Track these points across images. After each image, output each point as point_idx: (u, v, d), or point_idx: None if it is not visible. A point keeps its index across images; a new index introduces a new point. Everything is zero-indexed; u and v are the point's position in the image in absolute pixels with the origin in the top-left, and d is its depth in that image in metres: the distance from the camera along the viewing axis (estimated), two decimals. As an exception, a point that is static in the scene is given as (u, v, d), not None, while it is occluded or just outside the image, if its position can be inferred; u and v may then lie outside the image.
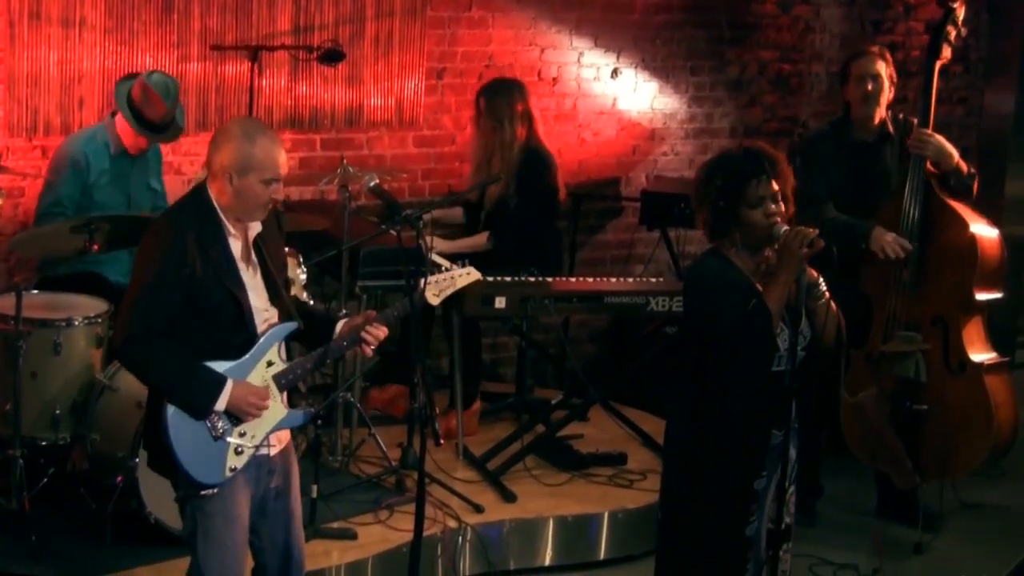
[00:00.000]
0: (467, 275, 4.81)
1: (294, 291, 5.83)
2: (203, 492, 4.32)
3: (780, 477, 4.46)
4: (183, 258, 4.23)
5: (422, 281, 4.61)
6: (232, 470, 4.34)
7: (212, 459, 4.32)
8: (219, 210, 4.33)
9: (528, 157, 6.78)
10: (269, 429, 4.41)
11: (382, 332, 4.50)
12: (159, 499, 5.24)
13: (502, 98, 6.79)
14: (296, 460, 4.61)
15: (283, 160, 4.34)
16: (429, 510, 5.49)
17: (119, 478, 5.41)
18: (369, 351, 4.52)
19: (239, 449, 4.35)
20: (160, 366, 4.26)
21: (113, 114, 6.24)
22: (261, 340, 4.37)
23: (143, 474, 5.27)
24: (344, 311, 6.08)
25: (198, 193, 4.39)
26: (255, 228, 4.42)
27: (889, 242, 6.18)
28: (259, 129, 4.38)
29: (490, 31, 7.75)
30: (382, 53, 7.39)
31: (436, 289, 4.68)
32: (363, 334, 4.47)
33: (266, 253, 4.44)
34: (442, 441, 5.58)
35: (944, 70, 6.54)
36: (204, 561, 4.36)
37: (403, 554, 5.43)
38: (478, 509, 6.00)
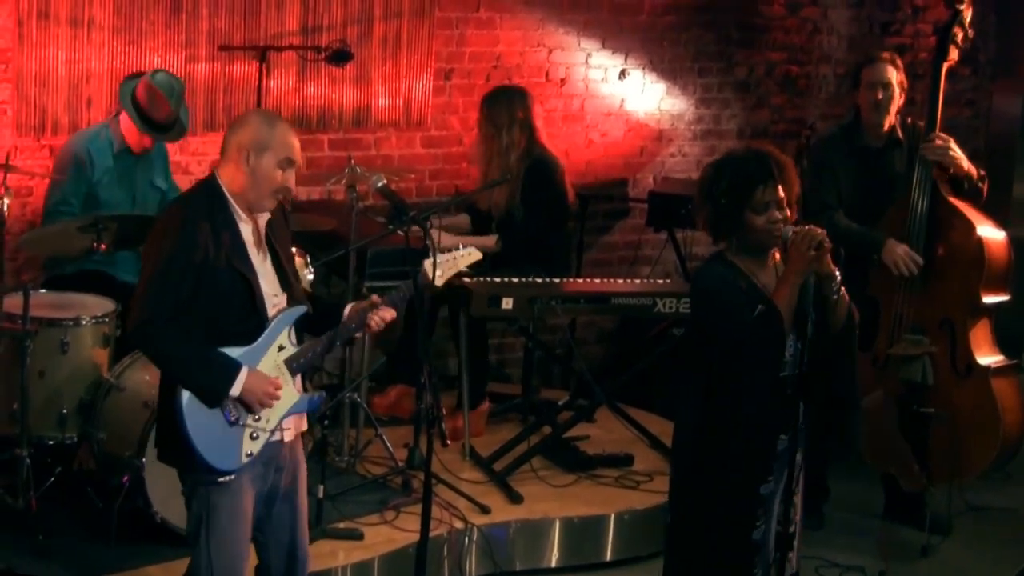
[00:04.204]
0: (468, 255, 4.77)
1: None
2: (220, 479, 4.32)
3: (787, 481, 4.46)
4: (195, 242, 4.24)
5: (425, 262, 4.61)
6: (248, 455, 4.35)
7: (228, 445, 4.32)
8: (230, 197, 4.36)
9: (532, 167, 6.78)
10: (283, 413, 4.42)
11: (389, 314, 4.52)
12: (165, 498, 5.26)
13: (502, 105, 6.81)
14: (304, 460, 4.62)
15: (298, 146, 4.41)
16: (435, 511, 5.47)
17: (125, 477, 5.41)
18: (375, 327, 4.50)
19: (254, 434, 4.36)
20: (176, 350, 4.27)
21: (117, 112, 6.24)
22: (272, 325, 4.39)
23: (149, 473, 5.28)
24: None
25: (209, 181, 4.42)
26: (264, 216, 4.44)
27: (901, 256, 6.16)
28: (277, 116, 4.65)
29: (498, 32, 7.75)
30: (390, 54, 7.40)
31: (439, 270, 4.64)
32: (370, 316, 4.49)
33: (275, 241, 4.47)
34: (449, 442, 5.61)
35: (951, 72, 6.52)
36: (209, 556, 4.35)
37: (409, 555, 5.43)
38: (484, 510, 6.00)
